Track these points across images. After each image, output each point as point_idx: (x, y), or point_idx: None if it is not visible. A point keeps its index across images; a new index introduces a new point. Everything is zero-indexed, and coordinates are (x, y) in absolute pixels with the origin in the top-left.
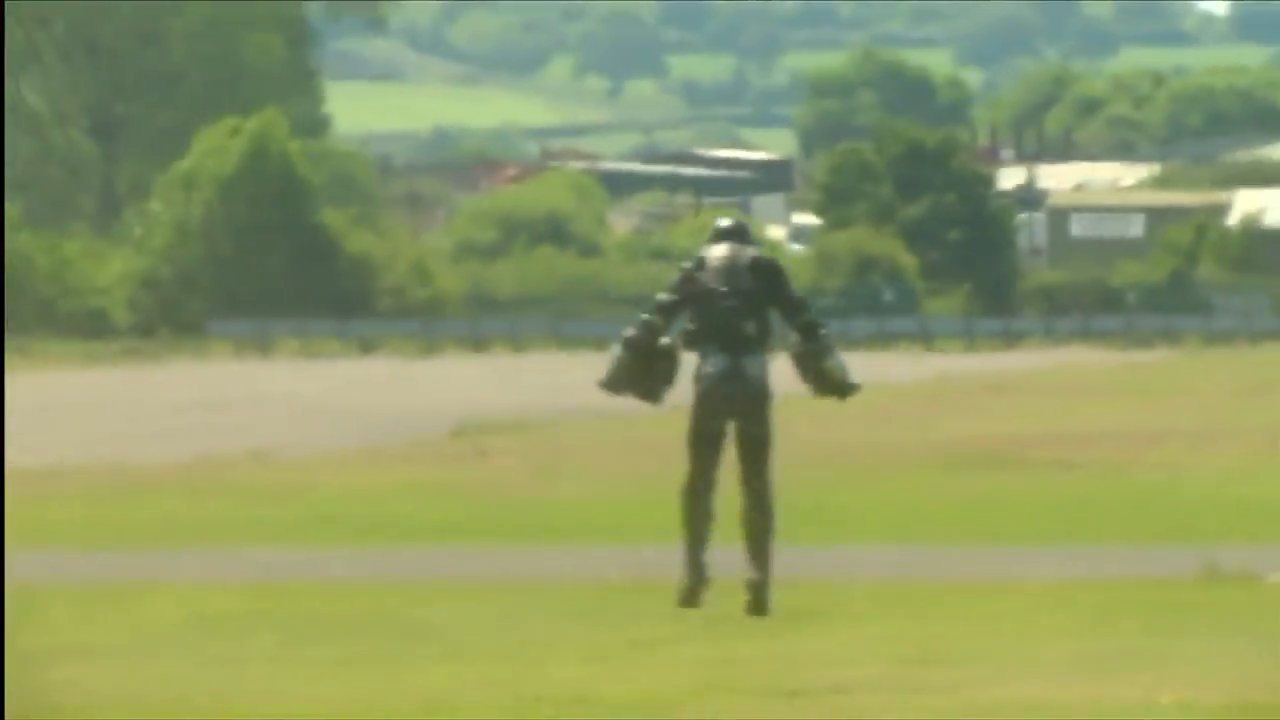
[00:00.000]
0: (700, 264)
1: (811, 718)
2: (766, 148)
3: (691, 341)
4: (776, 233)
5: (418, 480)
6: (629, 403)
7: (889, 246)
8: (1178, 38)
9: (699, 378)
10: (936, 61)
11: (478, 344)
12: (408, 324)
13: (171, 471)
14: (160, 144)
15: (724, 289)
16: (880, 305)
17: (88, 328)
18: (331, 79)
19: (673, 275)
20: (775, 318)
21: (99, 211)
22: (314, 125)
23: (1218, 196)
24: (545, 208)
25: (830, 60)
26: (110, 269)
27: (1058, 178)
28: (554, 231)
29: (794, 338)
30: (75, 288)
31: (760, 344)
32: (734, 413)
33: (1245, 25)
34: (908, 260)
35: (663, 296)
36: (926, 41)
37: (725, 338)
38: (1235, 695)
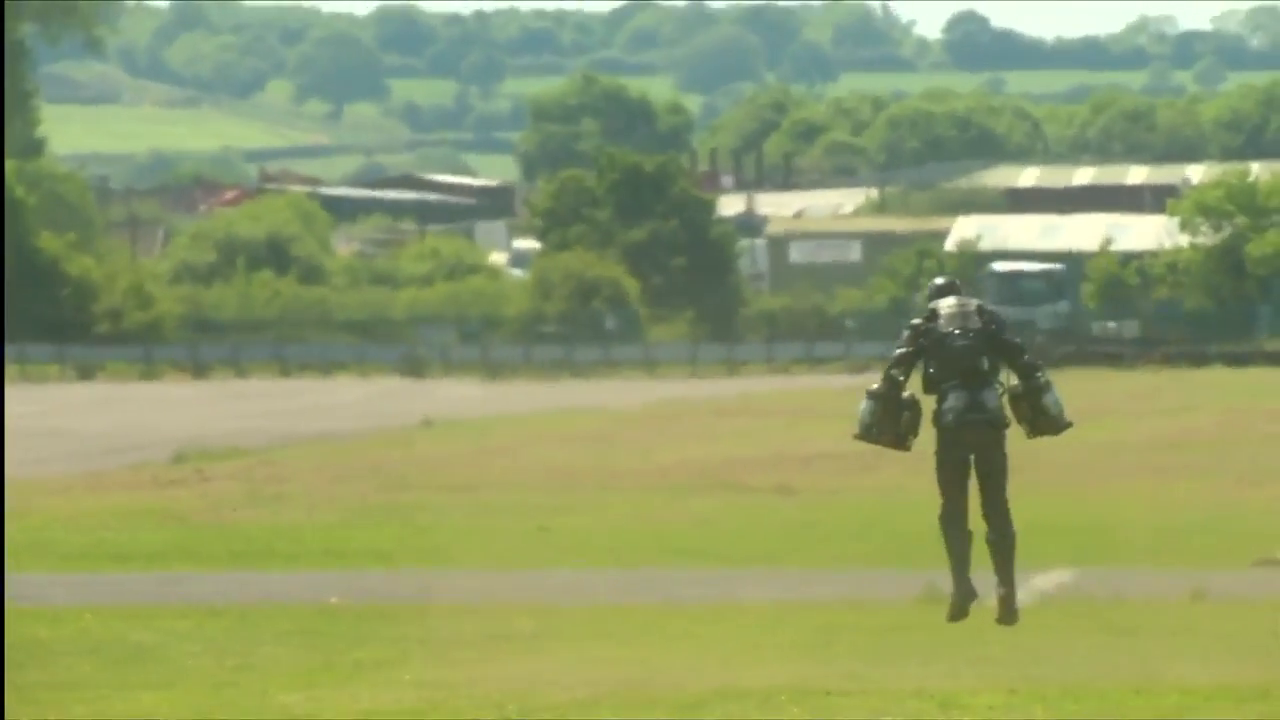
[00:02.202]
0: (932, 315)
1: None
2: (488, 173)
3: (932, 383)
4: (498, 258)
5: (137, 505)
6: (346, 428)
7: (610, 271)
8: (896, 64)
9: (940, 414)
10: (658, 87)
11: (198, 369)
12: (127, 348)
13: None
14: None
15: (958, 331)
16: (604, 332)
17: None
18: (47, 102)
19: (902, 333)
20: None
21: None
22: (29, 147)
23: (935, 222)
24: (266, 231)
25: (552, 86)
26: None
27: (778, 204)
28: (275, 255)
29: (1013, 379)
30: None
31: (994, 378)
32: (976, 443)
33: (958, 52)
34: (630, 285)
35: (899, 350)
36: (647, 67)
37: (963, 375)
38: (954, 715)
